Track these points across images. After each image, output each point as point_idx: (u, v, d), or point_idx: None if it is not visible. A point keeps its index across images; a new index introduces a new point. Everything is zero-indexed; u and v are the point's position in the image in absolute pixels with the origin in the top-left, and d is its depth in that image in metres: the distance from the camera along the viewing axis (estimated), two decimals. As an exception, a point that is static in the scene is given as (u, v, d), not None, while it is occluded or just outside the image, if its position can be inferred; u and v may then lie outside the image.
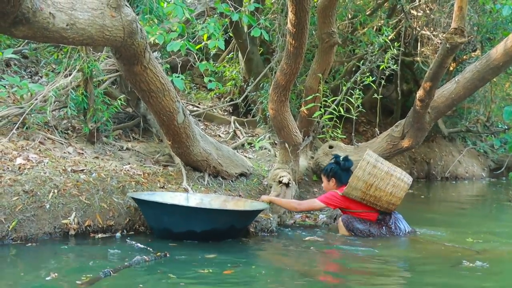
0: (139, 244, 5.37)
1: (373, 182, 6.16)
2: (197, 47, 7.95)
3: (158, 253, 4.96)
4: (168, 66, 8.25)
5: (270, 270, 4.98)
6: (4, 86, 7.45)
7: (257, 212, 6.18)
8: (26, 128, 7.13)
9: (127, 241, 5.54)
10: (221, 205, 6.35)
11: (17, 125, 7.01)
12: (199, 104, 11.49)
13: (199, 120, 10.26)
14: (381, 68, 8.51)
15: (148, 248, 5.21)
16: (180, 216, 5.65)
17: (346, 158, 6.69)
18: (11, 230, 5.24)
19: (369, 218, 6.36)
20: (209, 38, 7.28)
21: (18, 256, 4.94)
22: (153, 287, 4.22)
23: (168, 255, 4.97)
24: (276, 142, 9.24)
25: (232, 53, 11.94)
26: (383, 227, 6.32)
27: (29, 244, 5.23)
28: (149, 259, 4.75)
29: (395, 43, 8.87)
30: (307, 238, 6.20)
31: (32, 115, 7.23)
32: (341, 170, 6.57)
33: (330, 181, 6.62)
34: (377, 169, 6.23)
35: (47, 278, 4.20)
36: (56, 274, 4.27)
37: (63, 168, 6.22)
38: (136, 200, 5.83)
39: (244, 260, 5.20)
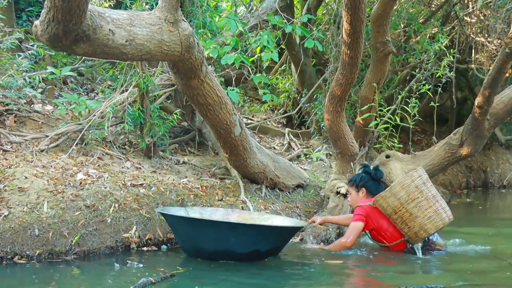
0: (141, 265, 5.09)
1: (416, 197, 5.61)
2: (251, 59, 7.97)
3: (167, 273, 4.70)
4: (223, 79, 8.28)
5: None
6: (63, 103, 7.60)
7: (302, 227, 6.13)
8: (85, 144, 7.23)
9: (128, 262, 5.20)
10: (224, 218, 5.87)
11: (76, 141, 7.12)
12: (252, 116, 11.50)
13: (254, 133, 10.26)
14: (437, 76, 8.39)
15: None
16: (252, 236, 5.28)
17: (377, 168, 6.27)
18: (74, 245, 5.32)
19: (398, 248, 5.87)
20: (261, 50, 7.30)
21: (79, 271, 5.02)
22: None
23: (175, 276, 4.73)
24: (331, 153, 9.18)
25: (284, 65, 11.93)
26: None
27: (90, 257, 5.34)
28: (155, 280, 4.44)
29: (451, 50, 8.74)
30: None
31: (90, 131, 7.33)
32: (372, 180, 6.12)
33: (360, 191, 6.12)
34: (426, 187, 5.69)
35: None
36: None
37: (123, 182, 6.31)
38: (184, 219, 5.46)
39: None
